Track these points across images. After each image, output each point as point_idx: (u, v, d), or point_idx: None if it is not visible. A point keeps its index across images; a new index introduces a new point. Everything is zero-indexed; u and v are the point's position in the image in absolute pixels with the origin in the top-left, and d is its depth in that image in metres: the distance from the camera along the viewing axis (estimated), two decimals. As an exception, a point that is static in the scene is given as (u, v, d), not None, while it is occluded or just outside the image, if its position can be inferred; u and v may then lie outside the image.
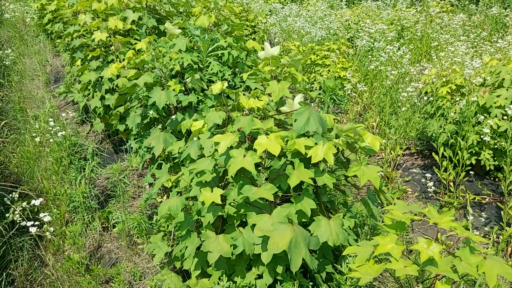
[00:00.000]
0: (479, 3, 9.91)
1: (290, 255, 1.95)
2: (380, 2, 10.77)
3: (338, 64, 6.38)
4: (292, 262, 1.96)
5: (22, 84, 6.41)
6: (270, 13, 10.28)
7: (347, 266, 2.17)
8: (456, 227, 1.40)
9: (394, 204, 1.74)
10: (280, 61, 2.81)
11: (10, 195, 3.22)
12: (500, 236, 3.13)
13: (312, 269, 2.11)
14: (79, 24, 4.43)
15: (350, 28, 8.07)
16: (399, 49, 6.58)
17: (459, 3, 10.54)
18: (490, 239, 3.07)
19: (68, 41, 4.91)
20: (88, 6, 4.41)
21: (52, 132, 3.93)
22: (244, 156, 2.15)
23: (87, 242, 3.40)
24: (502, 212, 3.23)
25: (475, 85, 3.99)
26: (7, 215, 3.09)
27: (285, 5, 11.05)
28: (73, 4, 4.77)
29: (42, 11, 6.42)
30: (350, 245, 2.31)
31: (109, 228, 3.57)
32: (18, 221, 3.02)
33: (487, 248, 3.08)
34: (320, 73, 6.36)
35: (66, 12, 5.08)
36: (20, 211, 3.08)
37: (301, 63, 6.70)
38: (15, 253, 3.15)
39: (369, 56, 6.49)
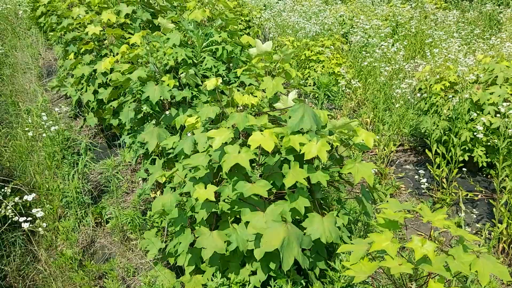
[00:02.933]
0: (473, 0, 9.94)
1: (282, 254, 1.96)
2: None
3: (333, 60, 6.37)
4: (284, 261, 1.96)
5: (14, 77, 6.35)
6: (264, 7, 10.24)
7: (340, 263, 2.18)
8: (449, 225, 1.41)
9: (387, 201, 1.75)
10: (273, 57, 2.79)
11: (2, 190, 3.19)
12: (492, 232, 3.15)
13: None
14: (73, 17, 4.38)
15: (344, 23, 8.07)
16: (393, 45, 6.59)
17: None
18: (482, 236, 3.10)
19: (61, 34, 4.86)
20: (81, -1, 4.37)
21: (45, 126, 3.90)
22: (239, 152, 2.14)
23: (80, 238, 3.38)
24: (494, 209, 3.25)
25: (469, 82, 4.01)
26: (-1, 210, 3.06)
27: (280, 0, 11.02)
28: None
29: (35, 4, 6.34)
30: (344, 242, 2.32)
31: (102, 224, 3.55)
32: (10, 216, 3.00)
33: (478, 245, 3.11)
34: (314, 69, 6.36)
35: (60, 5, 5.03)
36: (12, 206, 3.06)
37: (295, 59, 6.71)
38: (7, 249, 3.13)
39: (363, 52, 6.49)
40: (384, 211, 1.57)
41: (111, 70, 3.79)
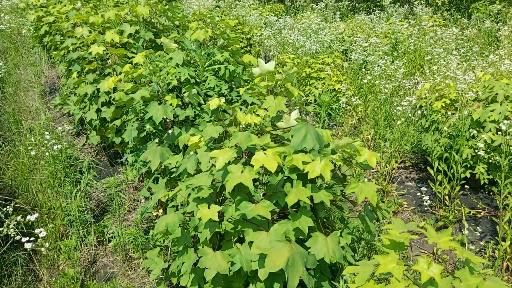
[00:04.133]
0: (471, 17, 10.05)
1: (287, 274, 1.95)
2: (373, 16, 10.89)
3: (333, 77, 6.42)
4: (289, 281, 1.95)
5: (17, 95, 6.39)
6: (265, 25, 10.35)
7: (344, 283, 2.17)
8: (455, 247, 1.41)
9: (390, 218, 1.75)
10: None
11: (4, 208, 3.19)
12: (496, 250, 3.14)
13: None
14: (76, 37, 4.43)
15: (344, 41, 8.15)
16: (392, 62, 6.64)
17: (451, 17, 10.68)
18: (486, 254, 3.08)
19: (64, 53, 4.91)
20: (85, 19, 4.42)
21: (48, 145, 3.91)
22: (242, 171, 2.15)
23: (82, 257, 3.37)
24: (497, 227, 3.24)
25: (469, 99, 4.04)
26: (0, 229, 3.06)
27: (280, 18, 11.14)
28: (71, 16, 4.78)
29: (38, 23, 6.42)
30: (348, 261, 2.32)
31: (105, 242, 3.54)
32: (12, 235, 2.99)
33: (482, 264, 3.09)
34: (315, 86, 6.40)
35: (63, 25, 5.09)
36: (14, 225, 3.05)
37: (296, 76, 6.76)
38: (9, 268, 3.12)
39: (363, 69, 6.54)
40: (389, 232, 1.57)
41: (114, 89, 3.82)
